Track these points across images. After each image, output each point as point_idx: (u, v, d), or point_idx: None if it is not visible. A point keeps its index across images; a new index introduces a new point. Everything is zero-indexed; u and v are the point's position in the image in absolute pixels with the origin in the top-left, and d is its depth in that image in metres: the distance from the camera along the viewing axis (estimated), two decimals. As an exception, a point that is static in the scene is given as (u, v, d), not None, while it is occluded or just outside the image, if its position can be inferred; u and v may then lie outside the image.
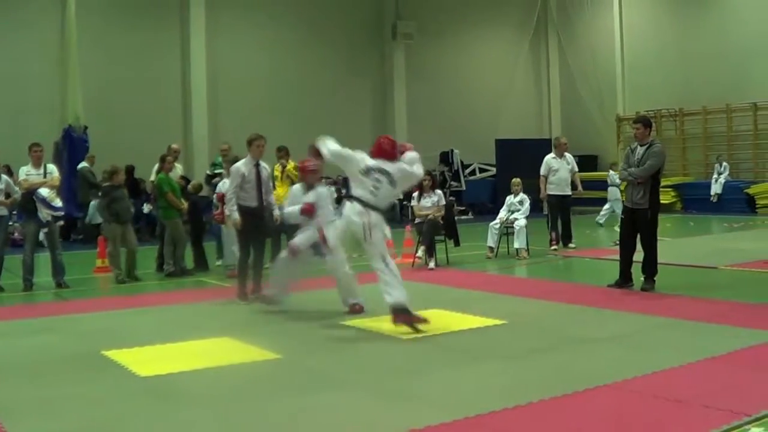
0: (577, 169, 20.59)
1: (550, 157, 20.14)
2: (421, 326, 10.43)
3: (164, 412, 7.41)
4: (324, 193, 12.90)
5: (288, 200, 13.17)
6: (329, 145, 11.33)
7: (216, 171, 18.57)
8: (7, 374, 9.03)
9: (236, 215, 13.28)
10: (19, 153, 16.84)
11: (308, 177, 12.92)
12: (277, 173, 17.59)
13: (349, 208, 10.90)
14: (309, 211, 12.29)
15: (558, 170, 19.90)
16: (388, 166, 11.01)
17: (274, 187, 16.78)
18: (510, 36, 39.63)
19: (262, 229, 13.74)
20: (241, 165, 13.49)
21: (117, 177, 16.67)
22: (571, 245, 19.80)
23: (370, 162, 11.02)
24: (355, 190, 10.99)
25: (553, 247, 19.40)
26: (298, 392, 7.90)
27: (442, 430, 6.58)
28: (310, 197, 12.66)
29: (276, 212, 13.89)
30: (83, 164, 25.39)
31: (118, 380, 8.59)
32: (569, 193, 20.14)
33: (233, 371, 8.85)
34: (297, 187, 13.19)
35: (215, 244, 18.05)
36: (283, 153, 17.89)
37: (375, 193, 10.90)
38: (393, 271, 10.82)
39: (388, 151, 11.19)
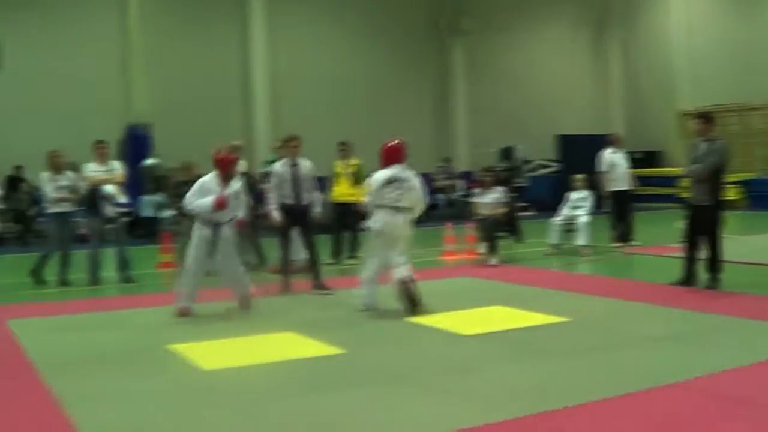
0: (629, 164, 20.31)
1: (609, 152, 19.79)
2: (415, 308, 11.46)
3: (227, 407, 7.45)
4: (239, 187, 12.62)
5: (198, 193, 12.24)
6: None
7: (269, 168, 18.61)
8: (74, 367, 9.14)
9: (276, 213, 13.96)
10: (84, 150, 17.00)
11: (229, 168, 12.39)
12: (339, 170, 17.66)
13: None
14: (222, 204, 11.98)
15: (617, 164, 19.68)
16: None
17: (335, 184, 17.07)
18: (571, 30, 39.38)
19: (303, 225, 14.24)
20: (278, 164, 14.22)
21: (189, 172, 16.74)
22: (633, 243, 19.39)
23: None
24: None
25: (617, 244, 19.12)
26: (356, 387, 7.98)
27: (502, 428, 6.60)
28: (227, 190, 12.24)
29: (317, 209, 14.52)
30: (150, 160, 25.56)
31: (182, 374, 8.70)
32: (630, 188, 19.80)
33: (296, 366, 8.91)
34: (210, 177, 12.33)
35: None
36: (345, 148, 17.95)
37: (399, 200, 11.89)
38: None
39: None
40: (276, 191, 14.06)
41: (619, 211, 19.60)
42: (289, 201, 13.98)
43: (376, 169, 12.10)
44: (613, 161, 19.67)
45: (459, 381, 8.11)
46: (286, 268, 14.21)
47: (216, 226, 12.07)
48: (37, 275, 15.72)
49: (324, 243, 16.27)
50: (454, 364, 8.78)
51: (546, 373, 8.38)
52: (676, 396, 7.33)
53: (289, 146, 14.26)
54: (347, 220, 17.53)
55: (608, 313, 11.62)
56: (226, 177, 12.18)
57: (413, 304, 11.47)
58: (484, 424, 6.59)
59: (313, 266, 14.20)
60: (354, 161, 17.81)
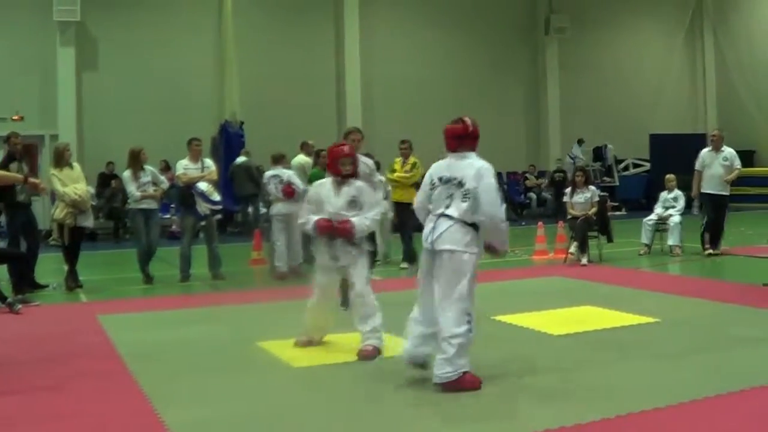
0: (737, 164, 18.43)
1: (705, 151, 18.48)
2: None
3: (318, 404, 7.51)
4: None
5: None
6: None
7: None
8: (163, 363, 9.28)
9: None
10: (177, 148, 17.21)
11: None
12: (396, 166, 17.51)
13: None
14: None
15: (710, 166, 18.17)
16: None
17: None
18: (664, 29, 38.98)
19: None
20: None
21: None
22: (716, 250, 17.96)
23: None
24: None
25: (707, 252, 18.01)
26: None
27: (592, 429, 6.57)
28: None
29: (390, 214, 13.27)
30: (242, 158, 25.75)
31: (272, 371, 8.78)
32: (723, 192, 18.14)
33: (383, 365, 8.92)
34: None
35: None
36: (405, 147, 17.68)
37: None
38: None
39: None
40: None
41: (707, 216, 18.21)
42: None
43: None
44: (705, 161, 18.28)
45: (554, 381, 8.07)
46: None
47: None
48: (143, 272, 15.93)
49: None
50: (546, 364, 8.72)
51: (639, 373, 8.33)
52: (770, 398, 7.25)
53: (350, 140, 12.01)
54: (406, 222, 16.84)
55: (698, 314, 11.49)
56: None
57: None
58: (576, 424, 6.56)
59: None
60: (412, 160, 17.48)
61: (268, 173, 16.63)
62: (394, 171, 17.31)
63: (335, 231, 9.43)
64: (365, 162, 12.21)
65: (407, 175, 17.07)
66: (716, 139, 18.59)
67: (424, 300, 8.12)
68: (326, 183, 9.85)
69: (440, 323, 7.78)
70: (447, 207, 7.95)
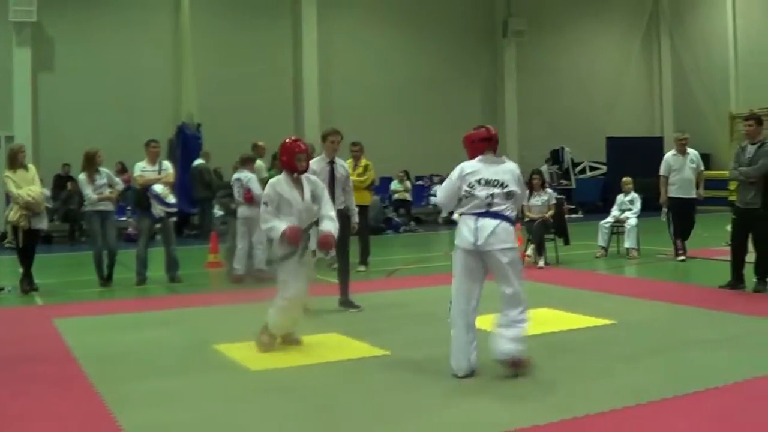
0: (702, 167, 18.31)
1: (670, 155, 17.98)
2: None
3: (274, 407, 7.50)
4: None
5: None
6: None
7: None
8: (119, 366, 9.20)
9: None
10: (133, 150, 17.13)
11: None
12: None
13: None
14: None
15: (679, 170, 17.60)
16: None
17: None
18: (621, 33, 39.27)
19: (343, 234, 11.56)
20: (313, 162, 11.91)
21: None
22: (682, 257, 17.56)
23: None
24: None
25: (680, 258, 17.62)
26: (405, 388, 7.96)
27: (549, 430, 6.59)
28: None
29: (355, 218, 12.86)
30: (199, 161, 25.69)
31: (228, 374, 8.73)
32: (693, 195, 17.73)
33: (342, 367, 8.94)
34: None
35: None
36: (357, 148, 17.58)
37: None
38: None
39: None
40: None
41: (677, 222, 17.69)
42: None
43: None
44: (672, 165, 17.72)
45: (511, 383, 8.10)
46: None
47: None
48: (98, 275, 15.82)
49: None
50: (500, 368, 8.73)
51: (596, 375, 8.38)
52: (726, 399, 7.30)
53: (329, 142, 12.36)
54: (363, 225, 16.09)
55: (655, 316, 11.55)
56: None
57: None
58: (533, 426, 6.58)
59: (344, 279, 12.78)
60: (364, 162, 17.37)
61: (234, 176, 16.59)
62: None
63: (324, 246, 9.63)
64: (342, 165, 12.41)
65: (361, 178, 16.99)
66: (686, 143, 18.07)
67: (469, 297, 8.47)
68: (281, 180, 9.73)
69: (516, 314, 8.36)
70: (489, 206, 8.33)
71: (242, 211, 16.18)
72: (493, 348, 8.31)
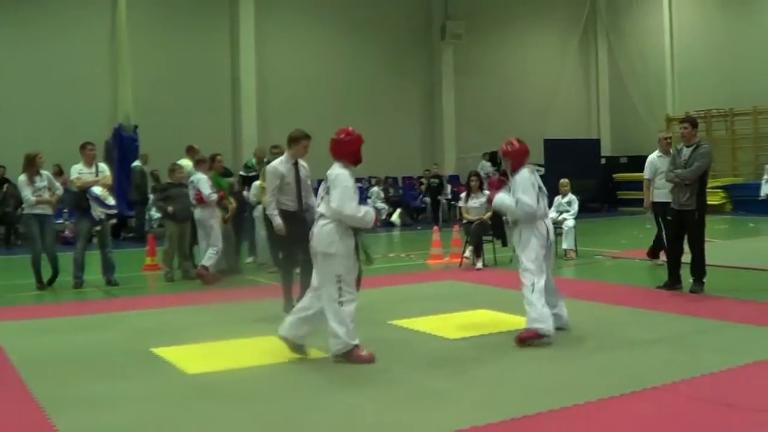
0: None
1: (654, 156, 16.48)
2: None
3: (211, 410, 7.44)
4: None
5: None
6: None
7: (251, 174, 18.37)
8: (56, 370, 9.10)
9: (279, 221, 12.06)
10: (69, 152, 16.96)
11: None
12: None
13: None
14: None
15: (665, 172, 14.76)
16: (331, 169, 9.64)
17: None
18: (559, 36, 39.57)
19: (305, 233, 11.37)
20: (278, 164, 12.20)
21: (175, 175, 16.74)
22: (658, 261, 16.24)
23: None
24: None
25: (659, 263, 16.15)
26: (343, 391, 7.97)
27: (488, 431, 6.60)
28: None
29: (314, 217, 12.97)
30: (136, 163, 25.56)
31: (166, 377, 8.67)
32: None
33: (280, 369, 8.91)
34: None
35: (248, 243, 18.51)
36: (278, 152, 17.29)
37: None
38: None
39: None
40: (275, 195, 12.15)
41: (661, 227, 15.89)
42: (293, 206, 12.17)
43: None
44: (658, 167, 16.14)
45: (449, 384, 8.12)
46: (289, 282, 12.55)
47: None
48: (37, 278, 15.65)
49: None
50: (441, 368, 8.78)
51: (532, 376, 8.42)
52: (661, 399, 7.35)
53: (301, 146, 12.22)
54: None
55: (592, 316, 11.61)
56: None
57: None
58: (472, 427, 6.58)
59: (307, 280, 11.67)
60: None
61: (191, 177, 16.51)
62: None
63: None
64: (304, 165, 12.36)
65: None
66: (670, 142, 16.80)
67: (547, 284, 10.12)
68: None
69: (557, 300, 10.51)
70: (545, 208, 10.48)
71: (196, 212, 16.14)
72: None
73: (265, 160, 17.82)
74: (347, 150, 9.53)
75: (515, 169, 10.23)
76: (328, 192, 9.25)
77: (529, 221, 10.01)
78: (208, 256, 16.04)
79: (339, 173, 9.22)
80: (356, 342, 9.02)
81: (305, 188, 12.38)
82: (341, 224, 9.09)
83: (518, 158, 10.33)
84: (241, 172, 19.30)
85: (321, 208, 9.35)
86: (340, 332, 8.97)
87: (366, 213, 9.22)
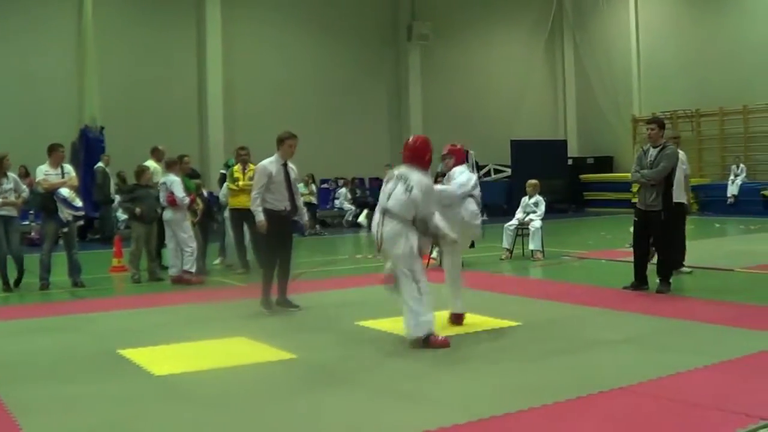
0: (689, 171, 16.44)
1: None
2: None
3: (179, 412, 7.43)
4: None
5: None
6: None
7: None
8: (22, 372, 9.06)
9: (262, 217, 12.26)
10: (35, 153, 16.86)
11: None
12: (238, 175, 17.12)
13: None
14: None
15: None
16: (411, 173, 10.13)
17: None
18: (525, 36, 39.67)
19: (289, 234, 12.86)
20: (268, 164, 12.46)
21: (143, 177, 16.69)
22: (684, 269, 15.48)
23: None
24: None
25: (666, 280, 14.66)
26: (311, 392, 7.93)
27: (456, 432, 6.61)
28: None
29: (305, 218, 13.47)
30: (99, 164, 25.47)
31: (133, 379, 8.63)
32: (683, 200, 15.42)
33: (248, 371, 8.88)
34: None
35: (219, 244, 18.66)
36: (245, 152, 17.44)
37: (385, 200, 10.14)
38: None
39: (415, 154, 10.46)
40: (261, 194, 12.33)
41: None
42: (282, 206, 12.43)
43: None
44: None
45: (419, 385, 8.12)
46: (269, 281, 12.59)
47: None
48: (2, 280, 15.55)
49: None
50: (410, 368, 8.80)
51: (501, 376, 8.44)
52: (628, 399, 7.37)
53: (287, 145, 12.57)
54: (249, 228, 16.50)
55: (560, 317, 11.66)
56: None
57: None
58: (439, 428, 6.58)
59: (284, 279, 12.71)
60: (252, 167, 17.09)
61: (161, 179, 16.48)
62: (235, 179, 17.01)
63: None
64: (292, 167, 12.66)
65: (252, 182, 16.86)
66: (678, 142, 16.04)
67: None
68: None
69: None
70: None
71: (166, 214, 16.08)
72: None
73: (229, 162, 17.89)
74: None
75: (458, 164, 11.85)
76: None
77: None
78: (186, 260, 16.02)
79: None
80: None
81: (295, 189, 12.80)
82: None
83: (458, 154, 12.09)
84: (222, 171, 19.32)
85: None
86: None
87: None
